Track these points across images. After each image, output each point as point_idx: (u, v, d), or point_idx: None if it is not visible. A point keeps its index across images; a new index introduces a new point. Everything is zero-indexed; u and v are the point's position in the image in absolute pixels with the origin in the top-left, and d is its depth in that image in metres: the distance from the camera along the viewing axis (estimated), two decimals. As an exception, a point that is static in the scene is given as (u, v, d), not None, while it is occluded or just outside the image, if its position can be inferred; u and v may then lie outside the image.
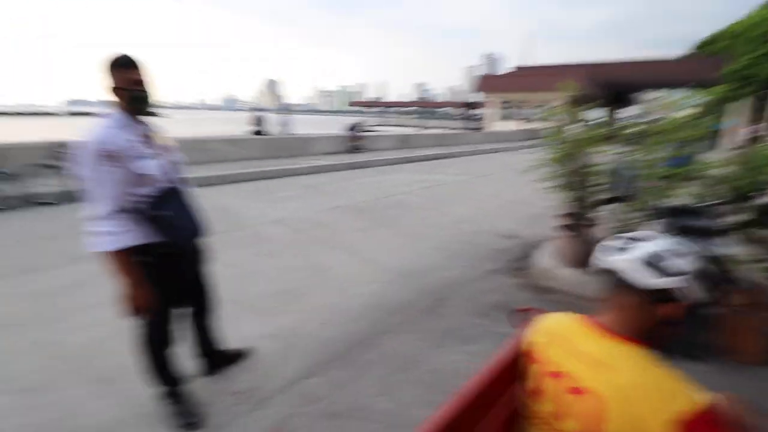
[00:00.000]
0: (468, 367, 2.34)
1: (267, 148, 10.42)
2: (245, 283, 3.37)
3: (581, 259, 3.57)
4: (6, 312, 2.84)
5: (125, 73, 1.55)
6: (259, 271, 3.64)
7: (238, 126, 16.14)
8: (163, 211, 1.60)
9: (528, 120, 24.41)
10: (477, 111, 26.80)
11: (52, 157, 6.17)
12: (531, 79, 24.89)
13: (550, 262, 3.71)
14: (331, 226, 5.08)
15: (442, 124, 43.38)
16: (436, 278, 3.60)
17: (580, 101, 3.65)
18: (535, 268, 3.82)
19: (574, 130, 3.57)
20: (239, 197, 6.47)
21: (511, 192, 7.56)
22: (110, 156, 1.47)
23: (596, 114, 3.65)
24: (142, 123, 1.64)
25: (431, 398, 2.08)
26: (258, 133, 11.68)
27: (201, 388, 2.11)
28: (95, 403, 2.01)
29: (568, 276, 3.47)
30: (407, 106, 54.43)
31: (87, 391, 2.09)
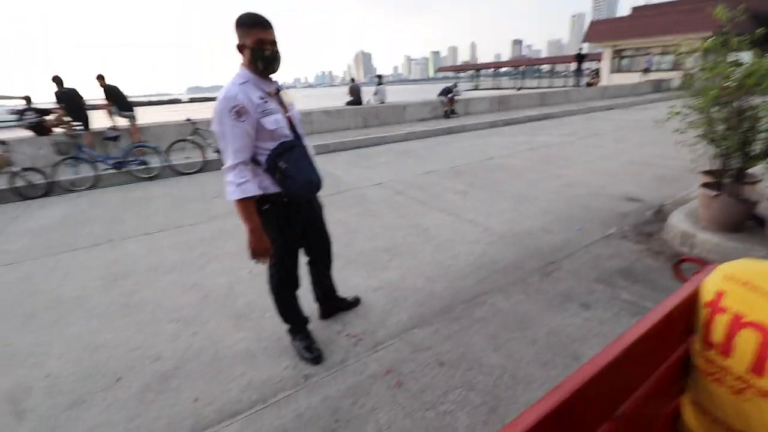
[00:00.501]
0: (590, 333, 2.15)
1: (362, 118, 10.66)
2: (350, 239, 3.54)
3: (730, 222, 2.98)
4: (168, 259, 3.42)
5: (255, 33, 1.61)
6: (362, 230, 3.79)
7: (334, 100, 16.77)
8: (285, 164, 1.69)
9: (650, 70, 20.79)
10: (588, 64, 23.55)
11: (190, 133, 7.14)
12: (654, 20, 20.90)
13: (689, 225, 3.16)
14: (429, 188, 5.03)
15: (544, 83, 39.50)
16: (547, 241, 3.34)
17: (728, 38, 2.90)
18: (668, 232, 3.31)
19: (725, 70, 2.88)
20: (339, 164, 6.77)
21: (632, 152, 6.60)
22: (239, 111, 1.58)
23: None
24: (269, 81, 1.73)
25: (548, 359, 1.97)
26: (353, 103, 11.97)
27: (320, 329, 2.30)
28: (233, 334, 2.33)
29: (711, 241, 2.93)
30: (503, 67, 50.39)
31: (226, 325, 2.43)
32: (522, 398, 1.74)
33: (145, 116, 10.51)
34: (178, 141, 6.86)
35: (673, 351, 0.95)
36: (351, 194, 4.97)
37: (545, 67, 45.76)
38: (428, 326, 2.28)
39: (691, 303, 0.94)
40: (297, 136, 1.78)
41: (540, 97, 14.56)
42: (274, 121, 1.65)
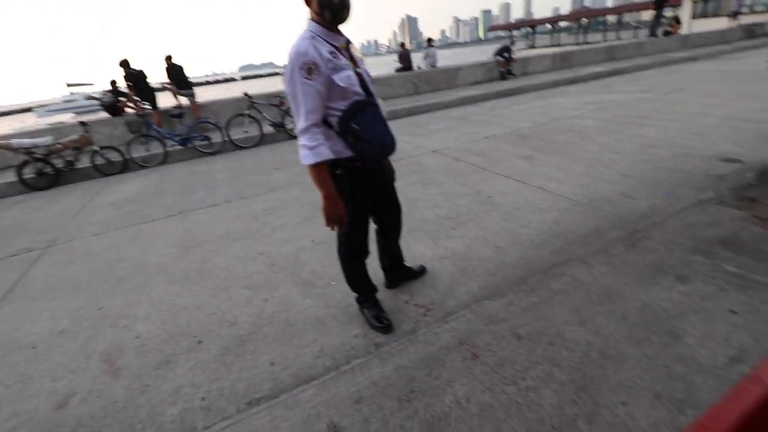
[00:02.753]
0: (690, 309, 1.91)
1: (413, 84, 10.28)
2: (411, 208, 3.43)
3: None
4: (236, 229, 3.54)
5: None
6: (423, 198, 3.66)
7: (381, 69, 16.33)
8: (356, 125, 1.58)
9: (740, 13, 17.91)
10: (667, 11, 20.66)
11: (247, 107, 7.30)
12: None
13: (810, 188, 2.69)
14: (490, 154, 4.75)
15: (611, 37, 35.69)
16: (630, 208, 3.01)
17: None
18: (782, 196, 2.84)
19: None
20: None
21: (726, 107, 5.76)
22: (310, 68, 1.46)
23: None
24: (338, 33, 1.60)
25: (642, 336, 1.77)
26: (403, 70, 11.56)
27: (387, 298, 2.25)
28: (302, 301, 2.35)
29: None
30: (562, 21, 46.02)
31: (295, 292, 2.46)
32: (615, 377, 1.58)
33: (204, 95, 10.90)
34: (236, 116, 7.04)
35: None
36: (406, 162, 4.82)
37: (611, 20, 41.19)
38: (501, 297, 2.15)
39: None
40: (369, 94, 1.65)
41: (608, 51, 13.16)
42: (346, 78, 1.53)
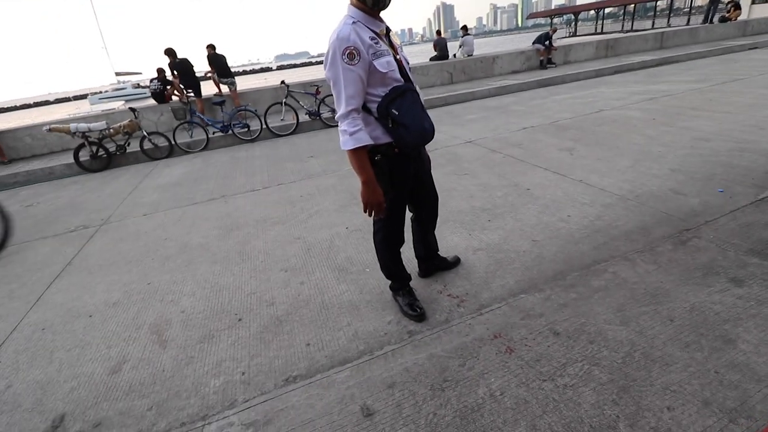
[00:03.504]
0: (745, 313, 1.80)
1: (448, 73, 10.09)
2: (446, 198, 3.40)
3: None
4: (274, 213, 3.65)
5: None
6: (458, 189, 3.62)
7: (416, 58, 16.07)
8: (395, 110, 1.58)
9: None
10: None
11: (284, 96, 7.44)
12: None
13: None
14: (527, 146, 4.61)
15: (661, 24, 33.46)
16: (679, 205, 2.85)
17: None
18: None
19: None
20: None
21: (794, 97, 5.29)
22: (351, 53, 1.47)
23: None
24: (379, 20, 1.60)
25: (691, 339, 1.69)
26: (439, 58, 11.34)
27: (420, 287, 2.26)
28: (337, 286, 2.40)
29: None
30: (607, 7, 43.43)
31: (330, 276, 2.51)
32: (659, 380, 1.52)
33: (243, 84, 11.19)
34: (274, 104, 7.19)
35: None
36: (441, 152, 4.77)
37: (661, 5, 38.49)
38: (538, 292, 2.10)
39: None
40: (408, 81, 1.64)
41: (657, 38, 12.35)
42: (386, 63, 1.53)
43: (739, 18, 15.37)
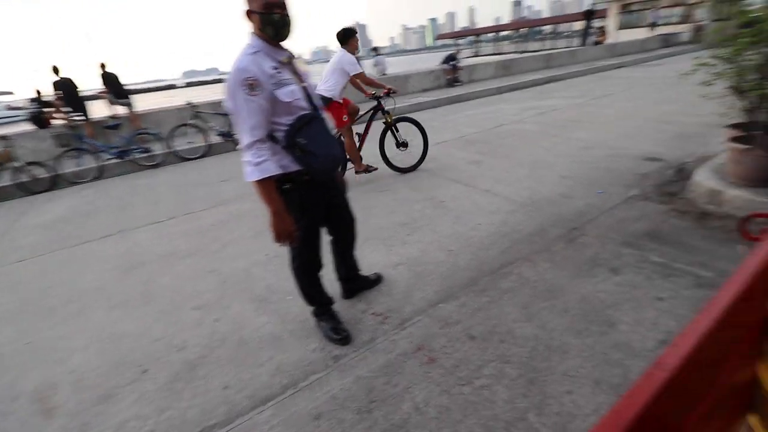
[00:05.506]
0: (622, 298, 2.08)
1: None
2: (366, 215, 3.44)
3: (763, 177, 2.84)
4: (182, 246, 3.37)
5: None
6: (377, 205, 3.70)
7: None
8: (303, 139, 1.58)
9: (657, 24, 19.94)
10: (596, 22, 22.54)
11: (192, 117, 6.98)
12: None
13: (716, 182, 3.03)
14: (441, 159, 4.88)
15: (548, 45, 38.14)
16: (569, 207, 3.23)
17: None
18: (693, 190, 3.18)
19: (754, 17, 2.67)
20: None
21: (648, 110, 6.35)
22: (251, 84, 1.45)
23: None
24: (281, 49, 1.59)
25: (582, 326, 1.90)
26: (353, 77, 11.62)
27: (344, 309, 2.25)
28: (256, 319, 2.29)
29: (742, 197, 2.80)
30: (504, 30, 48.58)
31: (248, 309, 2.38)
32: (559, 368, 1.68)
33: (144, 103, 10.29)
34: (180, 126, 6.71)
35: (753, 314, 0.87)
36: (360, 170, 4.84)
37: (547, 29, 44.07)
38: (455, 300, 2.22)
39: None
40: (314, 108, 1.65)
41: (545, 59, 14.05)
42: (290, 93, 1.53)
43: (607, 41, 18.18)
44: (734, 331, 0.79)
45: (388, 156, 4.57)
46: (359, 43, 4.22)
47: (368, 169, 4.48)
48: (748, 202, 2.78)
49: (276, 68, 1.51)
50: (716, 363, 0.75)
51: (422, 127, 4.56)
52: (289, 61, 1.60)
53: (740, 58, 2.81)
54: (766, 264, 0.85)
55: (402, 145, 4.48)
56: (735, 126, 3.17)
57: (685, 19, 19.96)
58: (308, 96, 1.63)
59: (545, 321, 1.97)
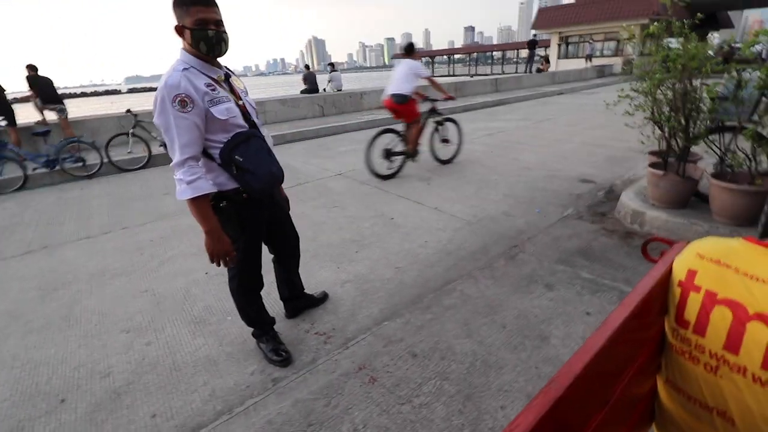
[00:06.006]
0: (554, 313, 2.21)
1: (319, 107, 10.37)
2: (316, 232, 3.42)
3: (677, 200, 3.17)
4: (115, 264, 3.14)
5: (195, 11, 1.43)
6: (327, 222, 3.68)
7: (288, 89, 16.16)
8: (239, 157, 1.55)
9: (594, 56, 21.90)
10: (540, 51, 24.37)
11: (132, 126, 6.60)
12: (597, 8, 21.98)
13: (639, 204, 3.34)
14: (393, 177, 4.97)
15: (496, 69, 40.46)
16: (510, 225, 3.40)
17: (665, 25, 3.06)
18: (620, 211, 3.48)
19: (666, 54, 3.02)
20: (298, 154, 6.55)
21: (583, 134, 6.90)
22: (183, 101, 1.41)
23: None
24: (216, 66, 1.57)
25: (518, 341, 1.99)
26: (309, 92, 11.61)
27: (287, 328, 2.19)
28: (192, 341, 2.17)
29: (660, 218, 3.11)
30: (456, 53, 51.02)
31: (184, 331, 2.26)
32: (495, 383, 1.75)
33: (80, 109, 9.60)
34: (119, 135, 6.33)
35: (649, 331, 0.96)
36: (312, 185, 4.82)
37: (497, 54, 46.90)
38: (399, 317, 2.24)
39: (665, 283, 0.94)
40: (252, 126, 1.63)
41: (494, 83, 14.87)
42: (226, 110, 1.50)
43: (549, 69, 19.62)
44: (628, 347, 0.87)
45: (434, 149, 5.44)
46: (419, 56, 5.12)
47: (415, 153, 5.10)
48: (665, 222, 3.09)
49: (210, 85, 1.48)
50: (611, 378, 0.82)
51: (460, 128, 5.62)
52: (225, 78, 1.58)
53: (655, 91, 3.15)
54: (659, 284, 0.95)
55: (445, 140, 5.39)
56: (653, 153, 3.54)
57: (617, 53, 22.07)
58: (245, 113, 1.62)
59: (484, 336, 2.04)
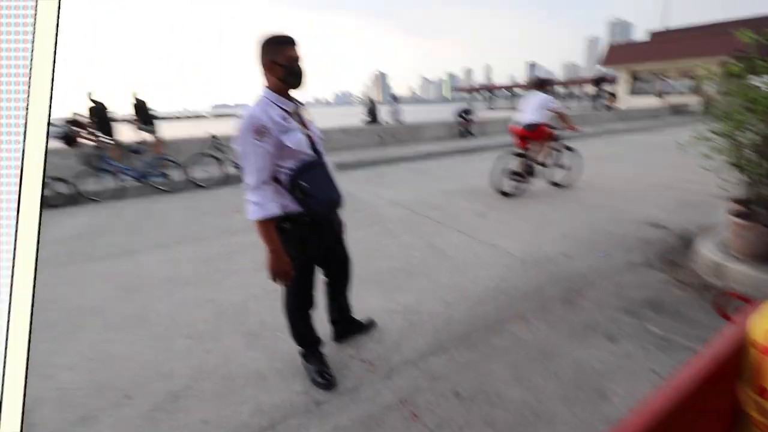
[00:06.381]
0: (616, 367, 2.04)
1: (379, 137, 10.75)
2: (368, 259, 3.48)
3: (764, 253, 2.84)
4: (185, 273, 3.43)
5: (286, 50, 1.63)
6: (379, 249, 3.74)
7: (352, 119, 16.98)
8: (304, 183, 1.68)
9: (668, 93, 20.64)
10: (606, 87, 23.53)
11: (211, 148, 7.30)
12: (672, 45, 20.86)
13: (718, 255, 3.03)
14: (446, 208, 4.98)
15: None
16: (569, 267, 3.23)
17: (748, 64, 2.84)
18: (698, 262, 3.17)
19: (751, 95, 2.78)
20: (356, 182, 6.79)
21: (654, 176, 6.45)
22: (259, 131, 1.59)
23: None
24: (291, 99, 1.74)
25: (572, 394, 1.86)
26: (371, 122, 12.12)
27: (332, 352, 2.24)
28: (246, 353, 2.28)
29: (744, 273, 2.79)
30: (518, 88, 50.66)
31: (239, 343, 2.38)
32: (545, 437, 1.64)
33: (169, 131, 10.79)
34: (198, 154, 7.00)
35: (721, 398, 0.87)
36: (367, 213, 4.95)
37: (560, 91, 45.83)
38: (445, 353, 2.20)
39: (740, 344, 0.85)
40: (318, 155, 1.77)
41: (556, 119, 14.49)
42: (296, 140, 1.66)
43: (616, 105, 18.79)
44: (696, 415, 0.79)
45: (550, 172, 5.83)
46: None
47: (532, 172, 5.59)
48: (748, 277, 2.77)
49: (284, 117, 1.66)
50: None
51: (580, 156, 5.93)
52: (296, 111, 1.74)
53: (737, 134, 2.90)
54: (734, 345, 0.86)
55: (562, 167, 5.85)
56: (736, 200, 3.22)
57: (695, 91, 20.66)
58: (312, 143, 1.76)
59: (535, 384, 1.93)
